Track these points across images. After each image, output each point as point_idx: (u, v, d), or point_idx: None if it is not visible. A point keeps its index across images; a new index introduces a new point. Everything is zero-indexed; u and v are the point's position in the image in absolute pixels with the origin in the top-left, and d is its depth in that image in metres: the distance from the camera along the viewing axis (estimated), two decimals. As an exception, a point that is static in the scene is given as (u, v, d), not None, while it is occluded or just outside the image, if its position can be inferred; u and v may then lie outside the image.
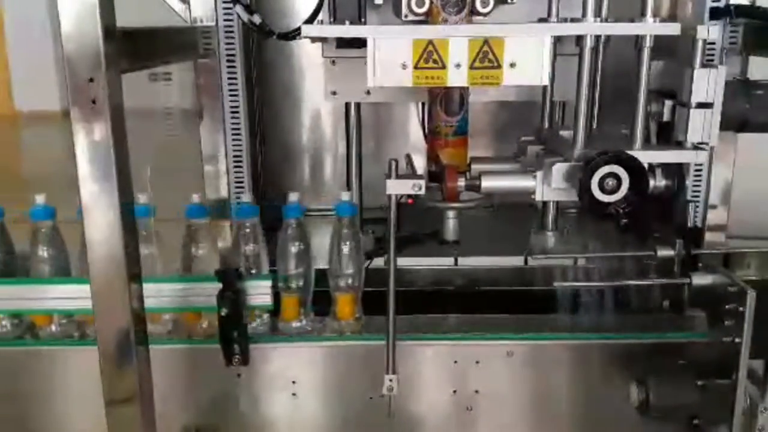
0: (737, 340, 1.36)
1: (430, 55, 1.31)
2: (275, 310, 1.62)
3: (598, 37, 1.37)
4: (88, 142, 1.12)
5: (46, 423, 1.63)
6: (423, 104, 1.93)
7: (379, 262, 1.73)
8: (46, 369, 1.61)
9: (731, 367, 1.38)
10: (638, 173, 1.33)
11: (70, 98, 1.10)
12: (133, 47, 1.28)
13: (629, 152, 1.34)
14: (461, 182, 1.44)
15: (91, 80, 1.09)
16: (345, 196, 1.62)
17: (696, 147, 1.37)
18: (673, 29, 1.30)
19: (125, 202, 1.17)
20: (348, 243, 1.60)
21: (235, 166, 1.87)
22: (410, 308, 1.65)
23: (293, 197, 1.59)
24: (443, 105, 1.73)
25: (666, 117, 1.41)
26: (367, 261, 1.67)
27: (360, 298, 1.64)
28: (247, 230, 1.61)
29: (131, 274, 1.21)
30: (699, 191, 1.88)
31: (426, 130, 1.92)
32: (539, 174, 1.41)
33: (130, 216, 1.20)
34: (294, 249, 1.60)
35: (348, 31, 1.35)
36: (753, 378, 1.45)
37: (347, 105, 1.97)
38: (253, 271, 1.60)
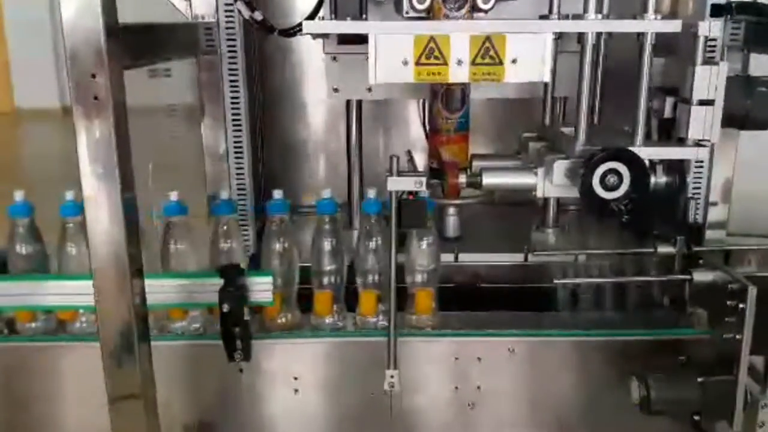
0: (738, 336, 1.37)
1: (431, 52, 1.31)
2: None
3: (599, 34, 1.38)
4: (91, 138, 1.12)
5: (45, 420, 1.63)
6: (424, 101, 1.94)
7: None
8: (30, 365, 1.61)
9: (732, 363, 1.39)
10: (639, 170, 1.33)
11: (73, 95, 1.10)
12: (135, 43, 1.28)
13: (630, 149, 1.34)
14: (462, 179, 1.44)
15: (94, 76, 1.09)
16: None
17: (697, 144, 1.37)
18: (674, 26, 1.31)
19: (127, 198, 1.17)
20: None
21: (236, 162, 1.87)
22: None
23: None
24: (444, 102, 1.74)
25: (667, 114, 1.41)
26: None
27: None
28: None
29: (134, 271, 1.21)
30: (700, 188, 1.88)
31: (427, 127, 1.92)
32: (540, 171, 1.41)
33: (133, 212, 1.20)
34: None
35: (349, 27, 1.35)
36: (754, 374, 1.45)
37: (348, 102, 1.97)
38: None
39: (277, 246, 1.60)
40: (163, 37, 1.57)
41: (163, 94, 2.16)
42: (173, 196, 1.58)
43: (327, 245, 1.60)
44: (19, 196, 1.57)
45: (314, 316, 1.63)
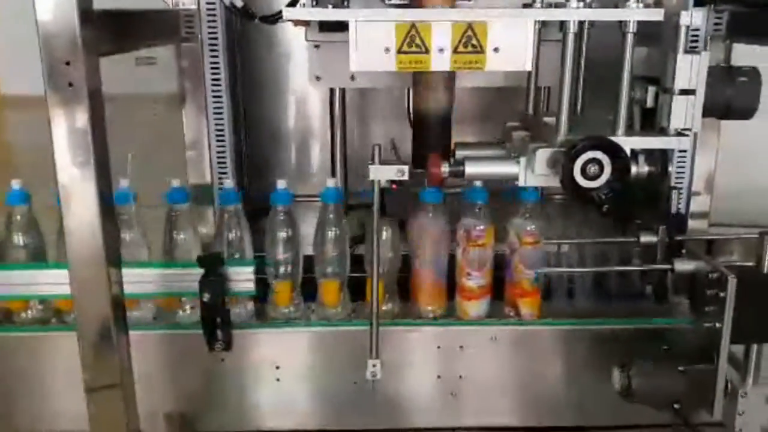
0: (718, 325, 1.37)
1: (413, 39, 1.30)
2: (264, 296, 1.62)
3: (581, 23, 1.37)
4: (66, 126, 1.10)
5: (24, 409, 1.62)
6: (408, 89, 1.92)
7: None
8: (25, 355, 1.60)
9: (713, 352, 1.39)
10: (621, 159, 1.33)
11: (47, 81, 1.09)
12: (112, 30, 1.26)
13: (612, 138, 1.34)
14: (445, 168, 1.44)
15: (68, 63, 1.07)
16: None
17: (679, 133, 1.37)
18: (657, 15, 1.30)
19: (104, 187, 1.16)
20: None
21: (218, 151, 1.86)
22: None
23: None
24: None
25: (649, 103, 1.40)
26: (351, 247, 1.66)
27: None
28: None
29: (110, 260, 1.20)
30: (682, 178, 1.89)
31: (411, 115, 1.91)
32: (523, 160, 1.41)
33: (109, 201, 1.19)
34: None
35: (330, 14, 1.33)
36: (734, 363, 1.45)
37: (331, 90, 1.96)
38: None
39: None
40: (142, 24, 1.55)
41: (148, 81, 2.14)
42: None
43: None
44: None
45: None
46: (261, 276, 1.60)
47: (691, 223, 1.89)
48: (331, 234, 1.61)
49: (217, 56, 1.78)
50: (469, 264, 1.60)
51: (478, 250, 1.60)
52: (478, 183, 1.59)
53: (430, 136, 1.58)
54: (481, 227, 1.59)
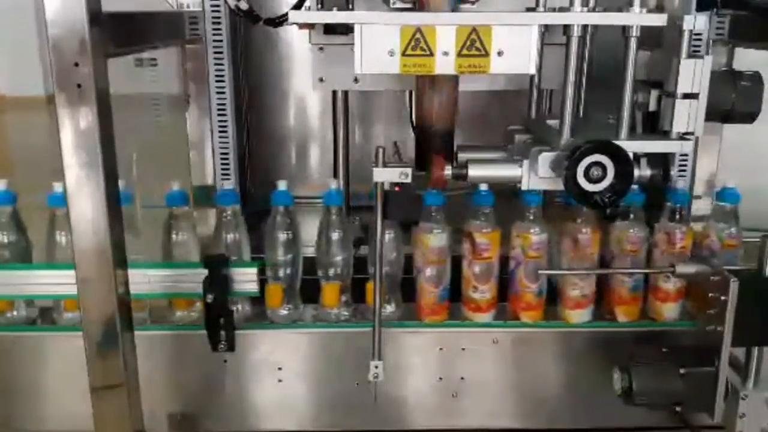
0: (720, 328, 1.38)
1: (417, 43, 1.31)
2: (262, 298, 1.62)
3: (585, 27, 1.37)
4: (74, 127, 1.11)
5: (26, 409, 1.63)
6: (410, 92, 1.93)
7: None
8: (11, 355, 1.61)
9: (714, 355, 1.40)
10: (624, 163, 1.33)
11: (56, 83, 1.09)
12: (119, 32, 1.27)
13: (615, 142, 1.34)
14: (448, 170, 1.44)
15: (77, 65, 1.08)
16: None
17: (681, 137, 1.38)
18: (660, 20, 1.31)
19: (111, 188, 1.16)
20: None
21: (221, 153, 1.86)
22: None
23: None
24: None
25: (652, 107, 1.41)
26: (353, 249, 1.67)
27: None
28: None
29: (117, 261, 1.20)
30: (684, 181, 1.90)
31: (414, 118, 1.91)
32: (525, 163, 1.41)
33: (116, 202, 1.19)
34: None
35: (335, 17, 1.34)
36: (735, 366, 1.46)
37: (334, 92, 1.96)
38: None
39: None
40: (147, 26, 1.56)
41: (150, 83, 2.15)
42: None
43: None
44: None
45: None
46: (262, 277, 1.61)
47: (693, 226, 1.89)
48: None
49: (221, 58, 1.79)
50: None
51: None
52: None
53: (433, 139, 1.59)
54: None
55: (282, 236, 1.60)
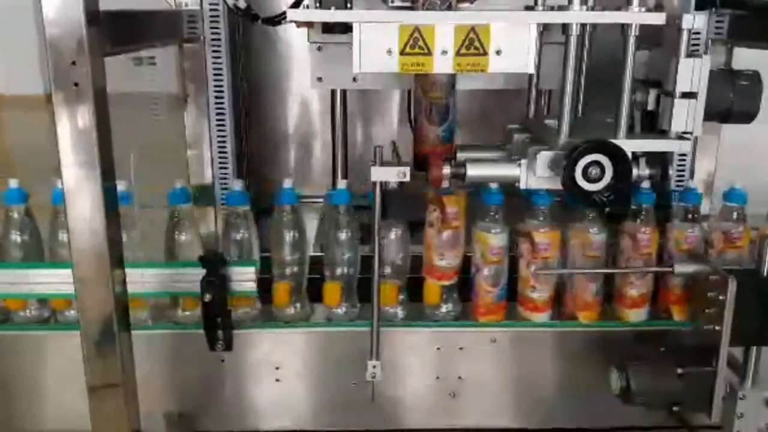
0: (718, 328, 1.38)
1: (416, 42, 1.31)
2: (269, 297, 1.62)
3: (584, 26, 1.37)
4: (71, 126, 1.11)
5: (23, 408, 1.62)
6: (409, 91, 1.93)
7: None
8: (21, 354, 1.61)
9: (712, 354, 1.40)
10: (622, 162, 1.33)
11: (53, 82, 1.09)
12: (117, 30, 1.26)
13: (613, 141, 1.34)
14: (446, 170, 1.44)
15: (74, 63, 1.08)
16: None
17: (680, 136, 1.38)
18: (659, 18, 1.31)
19: (108, 187, 1.16)
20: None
21: (220, 152, 1.86)
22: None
23: (287, 183, 1.59)
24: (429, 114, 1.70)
25: (650, 106, 1.41)
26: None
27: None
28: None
29: (114, 260, 1.20)
30: (683, 181, 1.89)
31: (412, 117, 1.91)
32: (524, 162, 1.41)
33: (113, 201, 1.19)
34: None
35: (333, 15, 1.34)
36: (733, 365, 1.46)
37: (333, 91, 1.96)
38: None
39: (288, 235, 1.60)
40: (145, 25, 1.55)
41: (148, 82, 2.14)
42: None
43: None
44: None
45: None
46: (265, 276, 1.61)
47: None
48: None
49: (219, 57, 1.79)
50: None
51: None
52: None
53: (432, 138, 1.58)
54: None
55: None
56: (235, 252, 1.60)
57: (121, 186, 1.52)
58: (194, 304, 1.58)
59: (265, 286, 1.60)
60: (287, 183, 1.59)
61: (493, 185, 1.56)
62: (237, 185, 1.63)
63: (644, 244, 1.59)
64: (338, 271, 1.63)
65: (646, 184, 1.57)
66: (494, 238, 1.58)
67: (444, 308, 1.65)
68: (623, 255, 1.63)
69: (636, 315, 1.64)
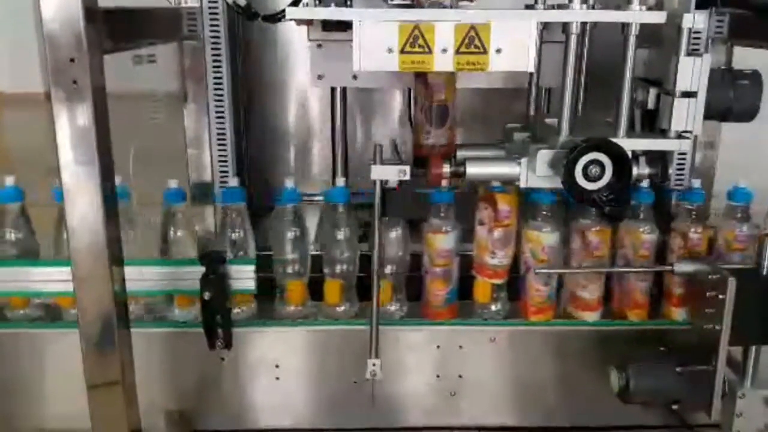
0: (717, 327, 1.38)
1: (416, 40, 1.30)
2: (271, 295, 1.62)
3: (584, 24, 1.37)
4: (70, 123, 1.10)
5: (23, 406, 1.62)
6: (409, 90, 1.92)
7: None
8: (19, 352, 1.60)
9: (711, 353, 1.40)
10: (622, 161, 1.33)
11: (51, 79, 1.08)
12: (116, 27, 1.25)
13: (613, 140, 1.34)
14: (446, 168, 1.44)
15: (72, 60, 1.07)
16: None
17: (680, 135, 1.38)
18: (659, 17, 1.30)
19: (107, 186, 1.16)
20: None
21: (219, 150, 1.86)
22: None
23: (289, 182, 1.59)
24: (428, 117, 1.70)
25: (651, 105, 1.41)
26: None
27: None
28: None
29: (113, 258, 1.20)
30: (682, 179, 1.89)
31: (412, 116, 1.91)
32: (524, 161, 1.41)
33: (113, 199, 1.19)
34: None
35: (333, 13, 1.33)
36: (732, 364, 1.46)
37: (333, 89, 1.96)
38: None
39: (291, 234, 1.60)
40: (144, 22, 1.54)
41: (148, 80, 2.14)
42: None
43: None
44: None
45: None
46: (265, 275, 1.61)
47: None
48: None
49: (219, 54, 1.78)
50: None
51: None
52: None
53: (431, 136, 1.58)
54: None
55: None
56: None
57: (119, 182, 1.53)
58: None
59: (262, 285, 1.60)
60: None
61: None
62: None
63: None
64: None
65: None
66: (547, 237, 1.57)
67: (493, 307, 1.65)
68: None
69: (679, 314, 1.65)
